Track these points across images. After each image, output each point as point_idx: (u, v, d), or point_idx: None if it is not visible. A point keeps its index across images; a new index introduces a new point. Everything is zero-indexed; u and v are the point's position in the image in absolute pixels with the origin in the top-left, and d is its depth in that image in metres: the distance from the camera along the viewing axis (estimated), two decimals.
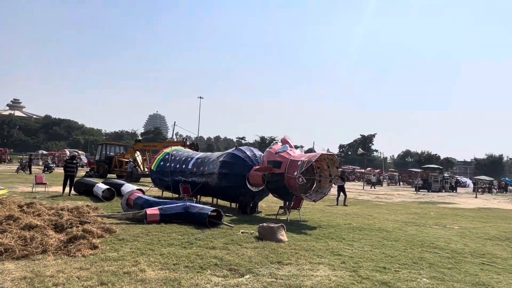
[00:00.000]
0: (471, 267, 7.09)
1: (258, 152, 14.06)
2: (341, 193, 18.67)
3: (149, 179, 21.86)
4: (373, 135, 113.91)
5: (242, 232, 9.14)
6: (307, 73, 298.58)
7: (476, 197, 33.18)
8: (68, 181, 15.96)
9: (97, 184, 15.61)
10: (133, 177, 26.89)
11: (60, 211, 9.77)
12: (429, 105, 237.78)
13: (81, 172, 33.23)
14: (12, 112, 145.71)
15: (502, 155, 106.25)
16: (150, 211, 9.83)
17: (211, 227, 9.47)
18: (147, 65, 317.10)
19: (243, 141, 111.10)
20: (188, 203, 10.51)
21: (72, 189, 16.09)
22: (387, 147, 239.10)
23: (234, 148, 14.98)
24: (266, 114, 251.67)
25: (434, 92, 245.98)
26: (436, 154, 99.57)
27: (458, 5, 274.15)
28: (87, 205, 11.37)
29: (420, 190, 39.13)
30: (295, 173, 11.56)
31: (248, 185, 12.55)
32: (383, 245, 8.72)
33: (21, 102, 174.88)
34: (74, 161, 16.59)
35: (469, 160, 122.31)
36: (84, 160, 58.28)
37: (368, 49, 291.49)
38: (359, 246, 8.39)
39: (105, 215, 10.44)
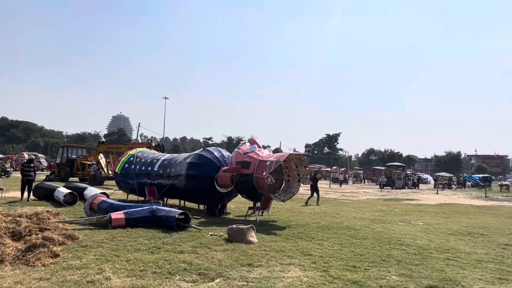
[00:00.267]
0: (437, 262, 7.25)
1: (226, 153, 13.92)
2: (314, 193, 18.79)
3: (113, 182, 21.26)
4: (338, 134, 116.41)
5: (211, 235, 8.99)
6: (273, 73, 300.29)
7: (437, 193, 34.36)
8: (27, 186, 15.23)
9: (58, 188, 15.02)
10: (97, 180, 26.11)
11: (18, 218, 9.24)
12: (390, 104, 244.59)
13: (41, 176, 31.96)
14: None
15: (460, 152, 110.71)
16: (115, 215, 9.51)
17: (179, 230, 9.25)
18: (109, 65, 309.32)
19: (210, 142, 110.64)
20: (154, 206, 10.26)
21: (31, 194, 15.40)
22: (351, 146, 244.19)
23: (201, 149, 14.77)
24: (233, 114, 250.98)
25: (396, 92, 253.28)
26: (398, 152, 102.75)
27: (418, 5, 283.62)
28: (47, 211, 10.84)
29: (384, 188, 40.14)
30: (264, 174, 11.51)
31: (217, 186, 12.39)
32: (351, 243, 8.80)
33: None
34: (32, 165, 15.85)
35: (429, 157, 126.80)
36: (44, 163, 56.28)
37: (334, 49, 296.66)
38: (328, 245, 8.42)
39: (67, 220, 10.01)
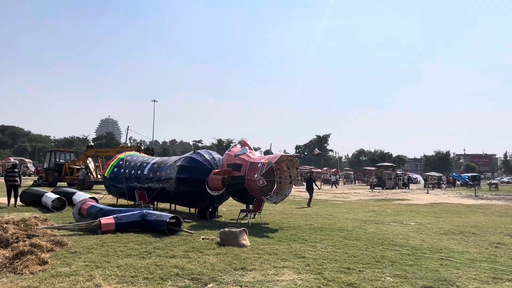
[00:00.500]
0: (431, 263, 7.22)
1: (217, 155, 13.80)
2: (312, 193, 18.77)
3: (102, 187, 21.02)
4: (328, 135, 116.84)
5: (203, 239, 8.87)
6: (263, 75, 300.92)
7: (427, 192, 34.57)
8: (13, 192, 14.91)
9: (46, 194, 14.75)
10: (85, 185, 25.84)
11: (4, 225, 9.01)
12: (379, 104, 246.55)
13: (28, 181, 31.50)
14: None
15: (449, 151, 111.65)
16: (105, 220, 9.34)
17: (170, 234, 9.11)
18: (96, 67, 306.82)
19: (200, 144, 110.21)
20: (145, 211, 10.10)
21: (18, 200, 15.10)
22: (341, 147, 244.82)
23: (192, 151, 14.64)
24: (222, 116, 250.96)
25: (385, 92, 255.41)
26: (388, 152, 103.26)
27: (408, 6, 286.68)
28: (35, 217, 10.60)
29: (375, 188, 40.29)
30: (256, 176, 11.42)
31: (208, 189, 12.28)
32: (345, 245, 8.74)
33: None
34: (16, 170, 15.49)
35: (419, 157, 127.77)
36: (32, 168, 55.52)
37: (324, 49, 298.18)
38: (321, 247, 8.35)
39: (55, 226, 9.80)
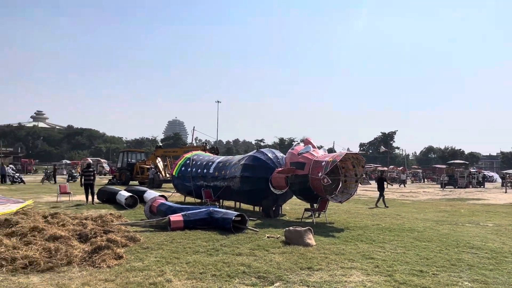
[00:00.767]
0: None
1: (279, 154, 13.80)
2: (383, 193, 17.98)
3: (171, 185, 21.83)
4: (394, 132, 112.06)
5: (268, 237, 8.89)
6: (323, 73, 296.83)
7: (505, 192, 32.04)
8: (89, 190, 15.93)
9: (119, 192, 15.61)
10: (155, 183, 26.94)
11: (84, 221, 9.71)
12: (451, 102, 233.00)
13: (104, 180, 33.65)
14: (36, 123, 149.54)
15: None
16: (174, 217, 9.67)
17: (236, 232, 9.25)
18: (164, 72, 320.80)
19: (262, 143, 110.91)
20: (211, 208, 10.32)
21: (95, 197, 16.12)
22: (408, 144, 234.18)
23: (255, 150, 14.74)
24: (283, 115, 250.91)
25: (459, 88, 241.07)
26: (460, 149, 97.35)
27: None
28: (111, 214, 11.29)
29: (446, 187, 38.14)
30: (320, 174, 11.24)
31: (271, 188, 12.30)
32: (416, 246, 8.34)
33: (44, 114, 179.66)
34: (90, 169, 16.49)
35: (494, 154, 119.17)
36: (107, 168, 59.06)
37: (389, 47, 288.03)
38: (391, 248, 8.03)
39: (129, 223, 10.32)
